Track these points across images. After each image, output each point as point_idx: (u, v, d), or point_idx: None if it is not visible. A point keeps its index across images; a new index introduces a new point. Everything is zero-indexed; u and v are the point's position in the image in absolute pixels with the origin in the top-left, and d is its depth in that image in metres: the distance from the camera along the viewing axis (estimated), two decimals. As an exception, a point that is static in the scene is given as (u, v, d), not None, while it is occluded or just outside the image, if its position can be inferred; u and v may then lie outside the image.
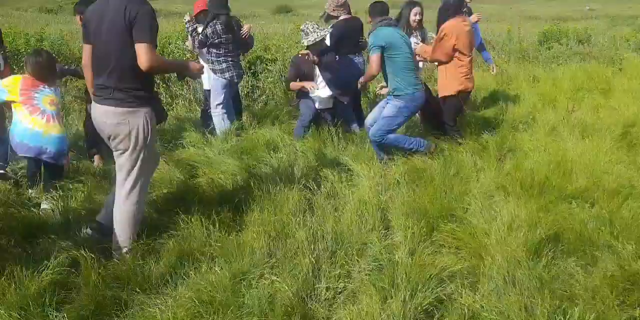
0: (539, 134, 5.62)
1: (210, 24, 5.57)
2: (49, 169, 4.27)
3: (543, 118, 6.21)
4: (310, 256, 3.00)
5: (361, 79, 5.14)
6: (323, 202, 3.87)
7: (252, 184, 4.16)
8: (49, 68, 4.29)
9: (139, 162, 3.16)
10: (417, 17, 5.71)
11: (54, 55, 4.26)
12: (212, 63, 5.71)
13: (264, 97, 7.85)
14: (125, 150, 3.14)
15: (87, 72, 3.28)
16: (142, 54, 2.91)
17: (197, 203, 3.80)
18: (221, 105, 5.79)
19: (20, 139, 4.09)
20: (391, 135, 4.89)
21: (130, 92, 3.06)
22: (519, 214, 3.51)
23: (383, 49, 4.75)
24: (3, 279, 2.73)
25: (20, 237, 3.42)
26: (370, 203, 3.75)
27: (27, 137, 4.07)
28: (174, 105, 7.47)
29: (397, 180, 4.27)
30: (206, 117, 6.20)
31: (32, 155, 4.13)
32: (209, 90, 5.97)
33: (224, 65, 5.70)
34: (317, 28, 5.50)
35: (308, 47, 5.50)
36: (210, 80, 5.85)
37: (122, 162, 3.19)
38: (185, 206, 3.76)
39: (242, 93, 7.42)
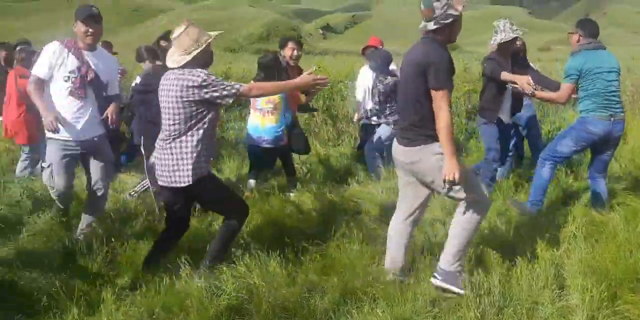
0: None
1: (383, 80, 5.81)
2: (281, 155, 5.56)
3: None
4: (475, 310, 2.87)
5: (536, 92, 4.66)
6: (488, 252, 3.70)
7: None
8: (270, 69, 5.29)
9: (457, 192, 3.20)
10: None
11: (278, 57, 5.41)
12: (386, 116, 5.90)
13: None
14: (432, 182, 3.23)
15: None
16: (436, 101, 3.05)
17: (361, 241, 3.86)
18: (376, 147, 5.96)
19: (250, 132, 5.33)
20: (546, 169, 4.58)
21: (416, 131, 3.19)
22: None
23: (579, 76, 4.46)
24: (189, 299, 3.01)
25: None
26: (542, 257, 3.52)
27: (252, 130, 5.28)
28: (339, 142, 7.76)
29: (574, 233, 3.95)
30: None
31: (254, 143, 5.29)
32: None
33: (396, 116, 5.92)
34: (510, 27, 5.03)
35: (498, 47, 5.13)
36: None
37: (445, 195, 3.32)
38: (350, 242, 3.85)
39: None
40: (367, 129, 6.41)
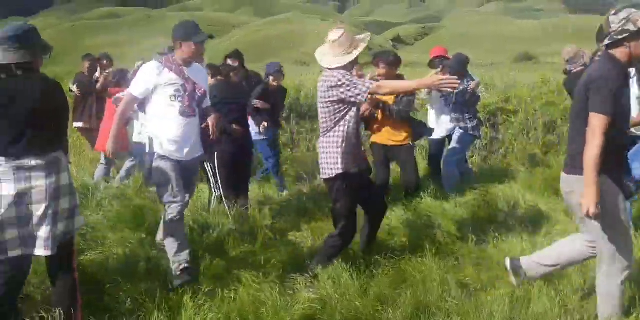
0: None
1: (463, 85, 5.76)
2: None
3: None
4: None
5: None
6: (570, 270, 3.56)
7: (491, 240, 4.06)
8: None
9: (600, 233, 2.90)
10: None
11: None
12: (465, 121, 5.89)
13: (502, 149, 7.65)
14: (582, 218, 2.91)
15: None
16: (589, 125, 2.78)
17: (434, 255, 3.82)
18: (455, 159, 5.91)
19: None
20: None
21: (579, 158, 2.83)
22: None
23: None
24: (264, 308, 3.09)
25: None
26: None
27: None
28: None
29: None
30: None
31: None
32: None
33: (475, 122, 5.90)
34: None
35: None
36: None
37: (583, 230, 3.11)
38: (421, 256, 3.82)
39: (481, 144, 7.35)
40: (436, 145, 6.36)
